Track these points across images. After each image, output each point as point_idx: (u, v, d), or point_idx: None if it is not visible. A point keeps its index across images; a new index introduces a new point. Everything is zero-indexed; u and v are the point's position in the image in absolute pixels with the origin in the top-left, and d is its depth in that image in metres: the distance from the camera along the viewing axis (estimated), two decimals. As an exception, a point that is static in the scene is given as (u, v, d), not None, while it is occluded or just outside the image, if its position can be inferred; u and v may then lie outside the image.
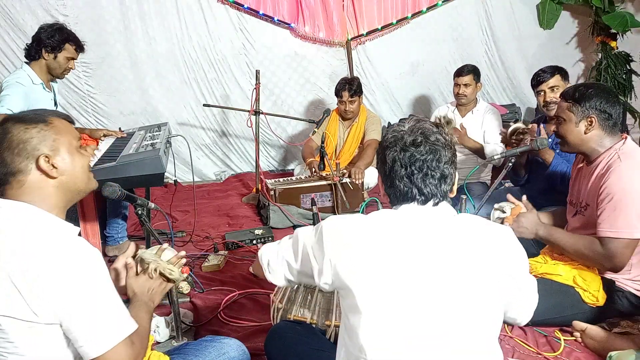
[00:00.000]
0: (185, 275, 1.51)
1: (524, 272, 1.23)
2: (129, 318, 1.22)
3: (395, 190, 1.21)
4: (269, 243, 1.43)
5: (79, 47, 2.89)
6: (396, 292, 1.13)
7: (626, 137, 2.01)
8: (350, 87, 3.77)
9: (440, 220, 1.20)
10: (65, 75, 2.98)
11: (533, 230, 2.07)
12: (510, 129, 2.69)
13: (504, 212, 2.14)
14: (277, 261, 1.34)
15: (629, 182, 1.87)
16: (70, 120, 1.34)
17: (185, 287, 2.50)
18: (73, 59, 2.89)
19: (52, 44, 2.79)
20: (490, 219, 2.15)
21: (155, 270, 1.42)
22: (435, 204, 1.20)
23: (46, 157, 1.22)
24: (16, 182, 1.21)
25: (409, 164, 1.18)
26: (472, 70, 3.53)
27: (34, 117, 1.25)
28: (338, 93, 3.83)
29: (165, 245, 1.53)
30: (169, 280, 1.46)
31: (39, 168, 1.22)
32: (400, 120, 4.81)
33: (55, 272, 1.11)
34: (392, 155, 1.20)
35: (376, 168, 1.32)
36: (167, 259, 1.48)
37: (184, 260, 1.52)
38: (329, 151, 3.80)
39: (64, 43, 2.82)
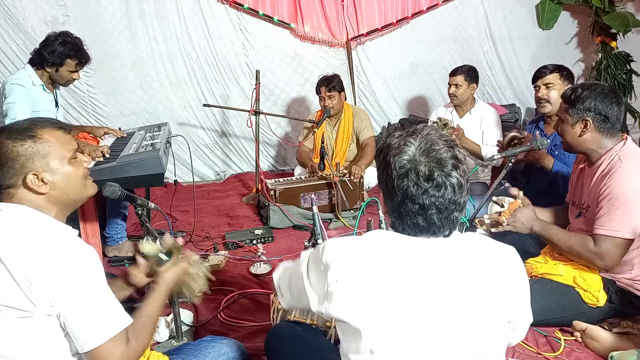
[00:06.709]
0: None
1: (526, 298, 1.18)
2: (123, 314, 1.24)
3: (404, 223, 1.12)
4: (285, 262, 1.40)
5: (81, 63, 2.84)
6: (405, 333, 1.06)
7: (626, 138, 2.01)
8: (328, 82, 3.77)
9: (445, 251, 1.11)
10: (70, 85, 2.96)
11: (529, 225, 2.07)
12: (506, 139, 2.74)
13: (502, 206, 2.14)
14: (285, 286, 1.32)
15: (629, 185, 1.88)
16: (64, 128, 1.32)
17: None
18: (76, 71, 2.86)
19: (52, 60, 2.76)
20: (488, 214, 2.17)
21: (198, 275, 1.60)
22: (444, 235, 1.12)
23: (34, 174, 1.23)
24: (6, 194, 1.24)
25: (423, 201, 1.08)
26: (465, 71, 3.52)
27: (24, 132, 1.24)
28: (317, 90, 3.84)
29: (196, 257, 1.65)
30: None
31: (25, 185, 1.23)
32: (401, 121, 4.81)
33: (51, 266, 1.14)
34: (403, 188, 1.08)
35: (376, 177, 1.24)
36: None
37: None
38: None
39: (65, 59, 2.78)
